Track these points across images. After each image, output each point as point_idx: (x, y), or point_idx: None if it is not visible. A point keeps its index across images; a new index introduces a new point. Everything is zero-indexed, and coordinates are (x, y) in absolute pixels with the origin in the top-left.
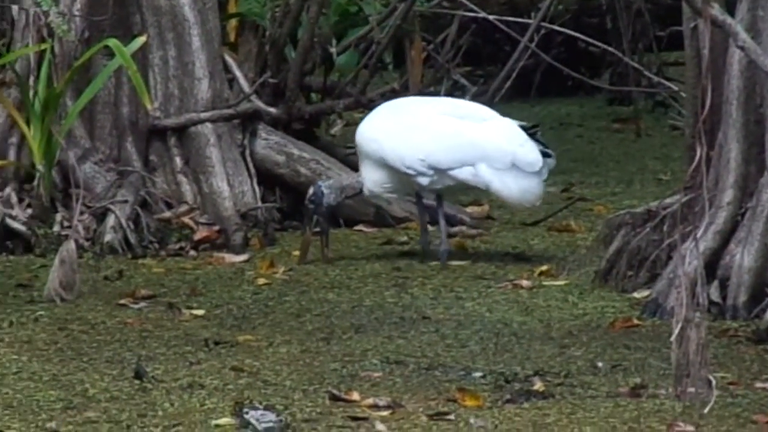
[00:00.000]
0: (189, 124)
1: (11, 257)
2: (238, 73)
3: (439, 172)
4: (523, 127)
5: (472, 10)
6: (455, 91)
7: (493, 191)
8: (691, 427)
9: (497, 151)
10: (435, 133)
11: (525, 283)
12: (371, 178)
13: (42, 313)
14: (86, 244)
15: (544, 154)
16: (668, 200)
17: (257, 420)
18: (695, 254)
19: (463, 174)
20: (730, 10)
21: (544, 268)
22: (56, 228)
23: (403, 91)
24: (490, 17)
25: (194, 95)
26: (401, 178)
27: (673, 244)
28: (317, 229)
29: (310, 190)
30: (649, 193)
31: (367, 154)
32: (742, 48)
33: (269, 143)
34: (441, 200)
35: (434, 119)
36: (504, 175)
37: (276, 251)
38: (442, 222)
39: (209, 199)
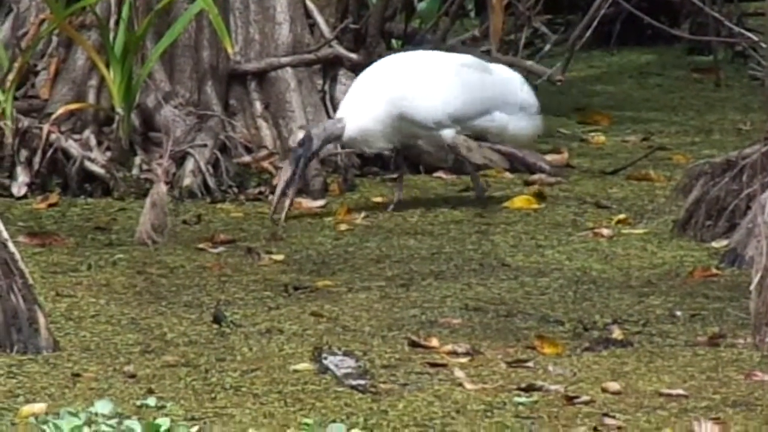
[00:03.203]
0: (269, 69)
1: (89, 200)
2: (318, 18)
3: (461, 123)
4: None
5: None
6: (535, 39)
7: (509, 133)
8: None
9: (510, 97)
10: (461, 87)
11: (604, 231)
12: (361, 123)
13: (120, 256)
14: (165, 187)
15: None
16: (747, 150)
17: (336, 365)
18: None
19: (484, 122)
20: None
21: (622, 216)
22: (135, 171)
23: (484, 38)
24: None
25: (275, 40)
26: (403, 130)
27: (753, 194)
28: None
29: (299, 134)
30: (728, 143)
31: (381, 105)
32: None
33: (349, 89)
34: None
35: (459, 73)
36: (515, 118)
37: (355, 197)
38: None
39: (289, 144)
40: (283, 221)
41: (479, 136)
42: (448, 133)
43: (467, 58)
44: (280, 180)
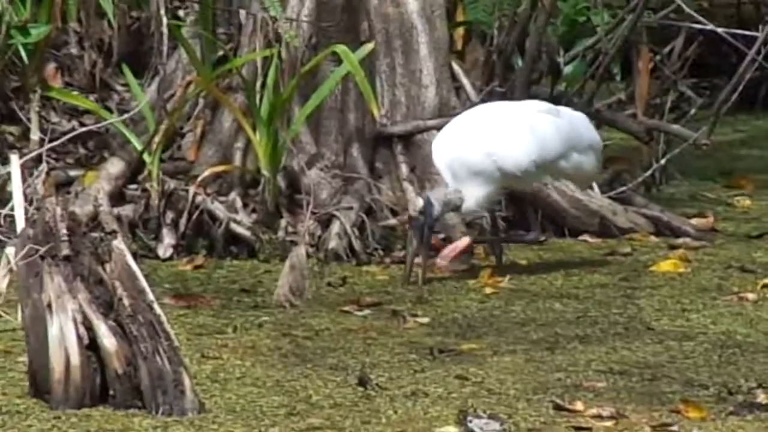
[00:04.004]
0: (415, 132)
1: (235, 262)
2: (465, 81)
3: (545, 167)
4: None
5: (699, 22)
6: (681, 102)
7: (583, 172)
8: None
9: (580, 137)
10: (540, 133)
11: (749, 295)
12: (474, 195)
13: (266, 318)
14: (311, 250)
15: None
16: None
17: (481, 429)
18: None
19: (562, 164)
20: None
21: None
22: (281, 234)
23: (629, 101)
24: (718, 29)
25: (421, 102)
26: (502, 186)
27: None
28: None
29: (419, 201)
30: None
31: (474, 169)
32: None
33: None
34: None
35: (535, 119)
36: (587, 156)
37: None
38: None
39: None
40: (422, 284)
41: (556, 177)
42: (529, 178)
43: (540, 104)
44: (408, 251)
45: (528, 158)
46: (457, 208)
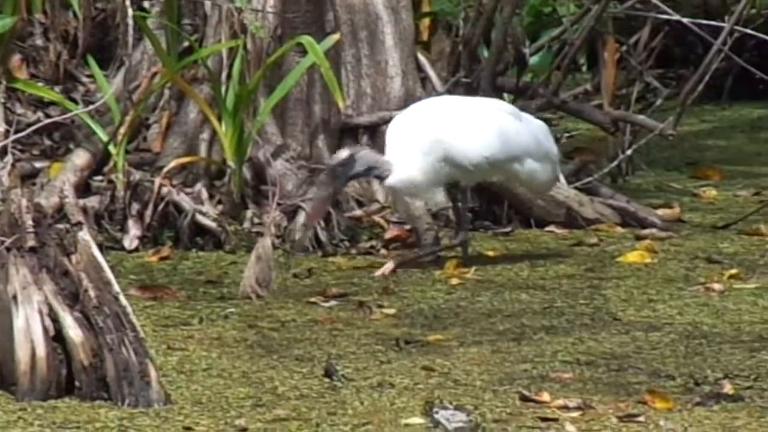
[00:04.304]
0: (381, 123)
1: (201, 253)
2: (430, 72)
3: (496, 166)
4: None
5: (665, 12)
6: (647, 93)
7: (536, 179)
8: None
9: (539, 145)
10: (496, 131)
11: (716, 286)
12: (408, 172)
13: (232, 310)
14: (276, 241)
15: None
16: None
17: (447, 420)
18: None
19: (514, 167)
20: None
21: (734, 271)
22: (246, 225)
23: (595, 92)
24: (684, 20)
25: (386, 93)
26: (445, 174)
27: None
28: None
29: (344, 154)
30: None
31: (422, 150)
32: None
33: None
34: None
35: (496, 118)
36: (541, 165)
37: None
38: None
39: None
40: (306, 229)
41: (506, 180)
42: (476, 176)
43: (503, 105)
44: (315, 197)
45: (478, 153)
46: (379, 179)
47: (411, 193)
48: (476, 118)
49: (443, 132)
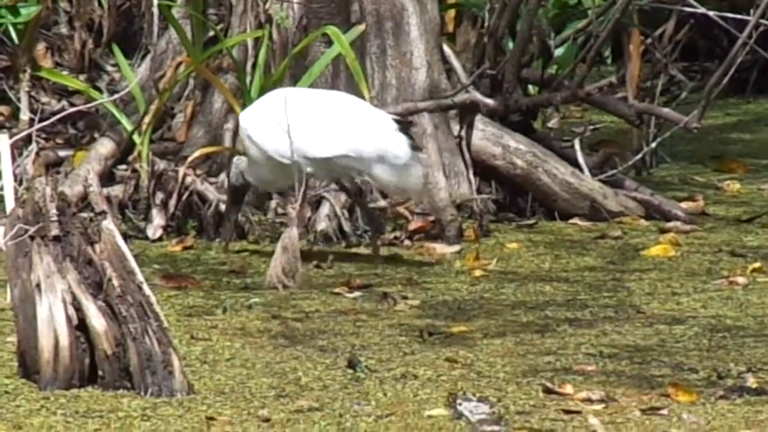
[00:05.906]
0: (406, 114)
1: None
2: (455, 64)
3: (317, 162)
4: (397, 121)
5: (691, 5)
6: (671, 86)
7: (384, 182)
8: None
9: (366, 144)
10: (310, 127)
11: (739, 279)
12: (250, 169)
13: (255, 300)
14: (301, 232)
15: (414, 148)
16: None
17: (470, 411)
18: None
19: (342, 162)
20: None
21: (758, 265)
22: (270, 215)
23: (620, 85)
24: (709, 13)
25: (411, 85)
26: (281, 169)
27: None
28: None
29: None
30: None
31: (247, 147)
32: None
33: (486, 134)
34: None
35: (309, 113)
36: (379, 163)
37: (490, 243)
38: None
39: (425, 189)
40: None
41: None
42: (306, 169)
43: (345, 97)
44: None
45: (289, 150)
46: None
47: (263, 184)
48: (290, 114)
49: (252, 131)
